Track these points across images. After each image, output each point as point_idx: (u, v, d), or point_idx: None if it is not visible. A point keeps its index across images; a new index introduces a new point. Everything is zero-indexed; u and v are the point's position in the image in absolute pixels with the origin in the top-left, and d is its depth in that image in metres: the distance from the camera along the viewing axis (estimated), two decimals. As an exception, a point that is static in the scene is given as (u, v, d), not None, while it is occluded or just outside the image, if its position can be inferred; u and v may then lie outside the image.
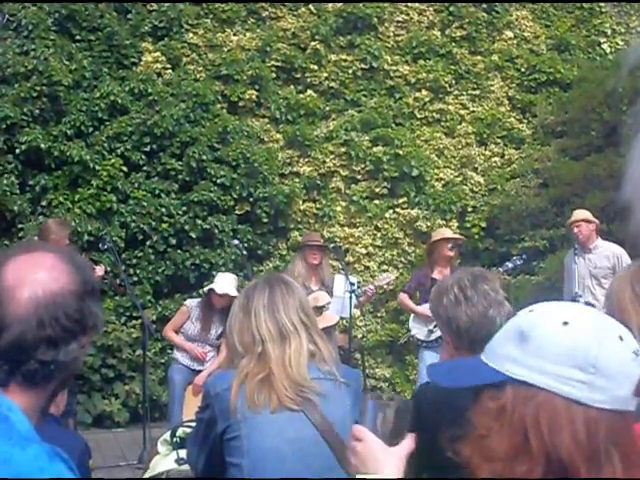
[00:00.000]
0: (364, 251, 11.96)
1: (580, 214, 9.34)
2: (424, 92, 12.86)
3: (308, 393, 3.12)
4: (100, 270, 8.87)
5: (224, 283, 8.54)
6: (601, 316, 1.53)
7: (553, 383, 1.45)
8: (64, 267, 1.76)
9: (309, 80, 12.59)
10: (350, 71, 12.71)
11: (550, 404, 1.44)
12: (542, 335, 1.50)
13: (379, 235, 12.11)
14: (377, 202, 12.20)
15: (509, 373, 1.50)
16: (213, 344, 8.65)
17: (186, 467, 3.52)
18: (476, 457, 1.50)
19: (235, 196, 11.43)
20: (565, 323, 1.49)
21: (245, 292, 3.37)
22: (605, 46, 13.83)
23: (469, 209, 12.38)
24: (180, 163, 11.33)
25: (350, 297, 8.79)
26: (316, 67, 12.62)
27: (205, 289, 8.66)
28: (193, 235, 11.10)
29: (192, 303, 8.75)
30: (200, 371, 8.50)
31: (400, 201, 12.22)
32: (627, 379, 1.46)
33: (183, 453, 3.60)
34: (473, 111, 13.08)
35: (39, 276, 1.72)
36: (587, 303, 8.75)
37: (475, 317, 3.08)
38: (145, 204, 11.02)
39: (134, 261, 10.97)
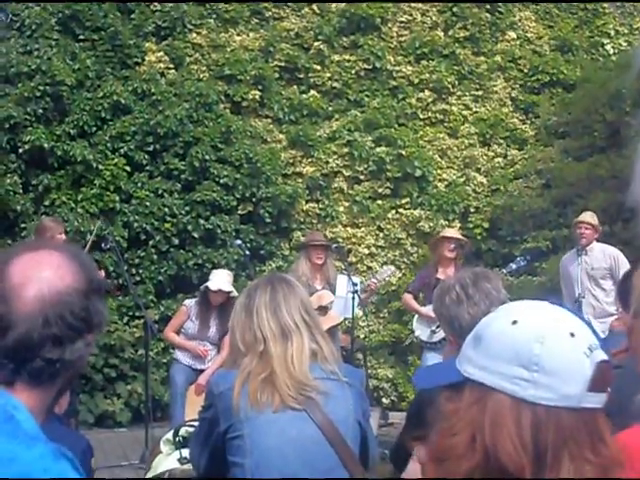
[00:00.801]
0: (367, 251, 11.97)
1: (588, 217, 9.28)
2: (427, 92, 12.86)
3: (310, 392, 3.12)
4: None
5: (218, 280, 8.56)
6: (556, 313, 1.52)
7: (501, 382, 1.46)
8: (69, 265, 1.76)
9: (312, 80, 12.61)
10: (353, 71, 12.71)
11: (498, 404, 1.45)
12: (492, 334, 1.51)
13: (382, 235, 12.11)
14: (380, 202, 12.20)
15: (466, 374, 1.51)
16: (213, 342, 8.65)
17: (189, 466, 3.52)
18: (426, 456, 1.52)
19: (238, 196, 11.43)
20: (514, 322, 1.50)
21: (247, 292, 3.36)
22: (608, 47, 13.81)
23: (472, 210, 12.37)
24: (183, 163, 11.34)
25: (353, 297, 8.77)
26: (319, 67, 12.63)
27: (202, 287, 8.67)
28: (196, 235, 11.11)
29: (191, 303, 8.76)
30: (202, 370, 8.50)
31: (403, 201, 12.23)
32: (575, 376, 1.45)
33: (186, 452, 3.59)
34: (476, 112, 13.08)
35: (45, 274, 1.72)
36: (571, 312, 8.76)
37: (477, 315, 3.08)
38: (148, 204, 11.03)
39: (137, 261, 10.99)
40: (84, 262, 1.80)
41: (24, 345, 1.67)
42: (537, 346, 1.46)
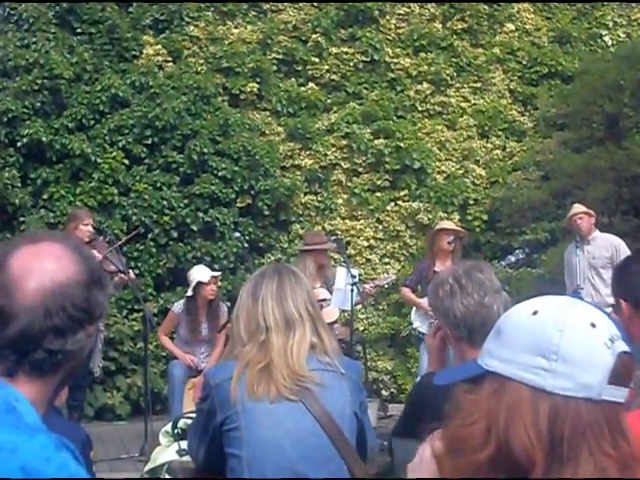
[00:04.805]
0: (366, 244, 11.97)
1: (581, 207, 9.36)
2: (425, 85, 12.85)
3: (307, 383, 3.12)
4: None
5: (202, 271, 8.70)
6: (578, 305, 1.51)
7: (519, 372, 1.45)
8: (71, 257, 1.76)
9: (310, 73, 12.59)
10: (351, 64, 12.69)
11: (515, 394, 1.44)
12: (511, 326, 1.50)
13: (380, 228, 12.11)
14: (378, 195, 12.20)
15: (485, 366, 1.50)
16: (206, 341, 8.71)
17: (187, 458, 3.53)
18: (442, 449, 1.50)
19: (236, 189, 11.43)
20: (535, 312, 1.49)
21: (254, 279, 3.35)
22: (606, 38, 13.80)
23: (470, 202, 12.37)
24: (181, 156, 11.34)
25: (352, 290, 8.81)
26: (317, 60, 12.61)
27: (189, 292, 8.68)
28: (194, 228, 11.11)
29: (179, 308, 8.79)
30: (200, 371, 8.52)
31: (401, 194, 12.23)
32: (594, 365, 1.43)
33: (184, 444, 3.61)
34: (474, 104, 13.06)
35: (46, 266, 1.72)
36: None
37: (471, 305, 3.09)
38: (146, 197, 11.03)
39: (135, 254, 10.98)
40: (85, 254, 1.81)
41: (26, 337, 1.68)
42: (556, 335, 1.45)
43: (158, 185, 11.20)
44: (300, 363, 3.13)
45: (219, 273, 8.87)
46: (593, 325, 1.46)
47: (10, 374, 1.69)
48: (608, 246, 9.14)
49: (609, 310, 8.67)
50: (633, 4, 13.99)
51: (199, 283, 8.54)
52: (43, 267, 1.72)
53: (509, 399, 1.44)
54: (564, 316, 1.47)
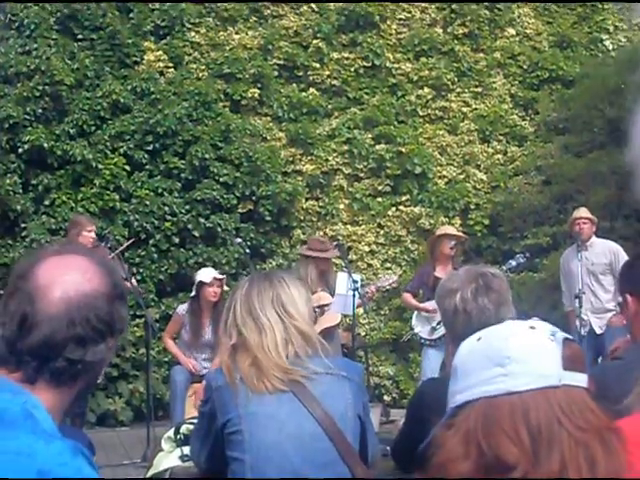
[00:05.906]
0: (367, 249, 11.97)
1: (584, 212, 9.33)
2: (426, 90, 12.86)
3: (294, 375, 3.14)
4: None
5: (206, 272, 8.67)
6: (514, 321, 1.67)
7: (482, 388, 1.55)
8: (96, 269, 1.80)
9: (311, 78, 12.61)
10: (352, 69, 12.71)
11: (485, 407, 1.53)
12: (462, 358, 1.64)
13: (382, 233, 12.12)
14: (380, 200, 12.21)
15: (453, 404, 1.60)
16: (209, 346, 8.69)
17: (190, 464, 3.53)
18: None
19: (238, 194, 11.45)
20: (478, 339, 1.64)
21: (234, 288, 3.52)
22: (607, 43, 13.80)
23: (472, 207, 12.37)
24: (183, 162, 11.35)
25: (353, 295, 8.79)
26: (318, 65, 12.63)
27: (192, 293, 8.67)
28: (196, 234, 11.12)
29: (184, 310, 8.77)
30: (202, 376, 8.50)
31: (403, 199, 12.23)
32: (546, 356, 1.55)
33: (187, 450, 3.60)
34: (475, 108, 13.07)
35: (71, 277, 1.76)
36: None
37: (471, 331, 3.09)
38: (148, 203, 11.04)
39: (137, 260, 10.99)
40: (109, 268, 1.86)
41: (47, 344, 1.72)
42: (503, 344, 1.57)
43: (159, 191, 11.21)
44: (282, 359, 3.17)
45: (223, 276, 8.82)
46: (532, 327, 1.61)
47: (30, 381, 1.72)
48: (607, 252, 9.12)
49: (609, 315, 8.68)
50: (633, 8, 13.98)
51: (201, 283, 8.53)
52: (68, 278, 1.76)
53: (481, 414, 1.53)
54: (505, 329, 1.63)
